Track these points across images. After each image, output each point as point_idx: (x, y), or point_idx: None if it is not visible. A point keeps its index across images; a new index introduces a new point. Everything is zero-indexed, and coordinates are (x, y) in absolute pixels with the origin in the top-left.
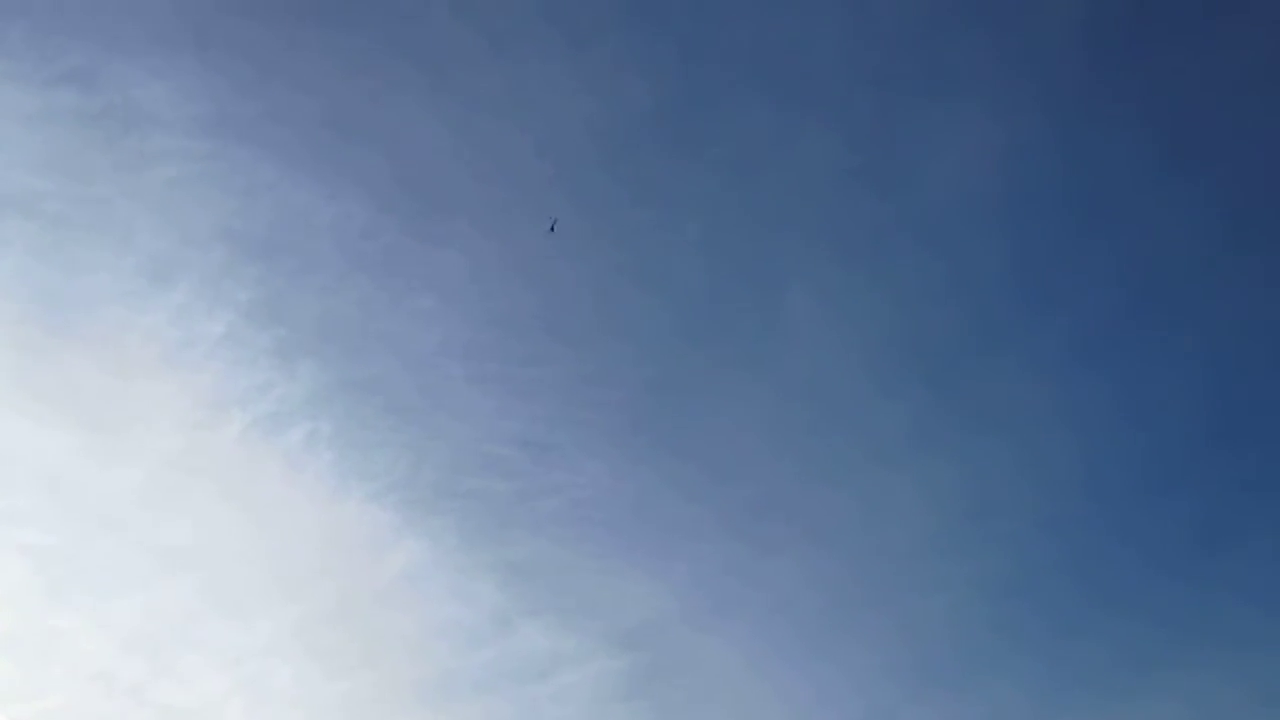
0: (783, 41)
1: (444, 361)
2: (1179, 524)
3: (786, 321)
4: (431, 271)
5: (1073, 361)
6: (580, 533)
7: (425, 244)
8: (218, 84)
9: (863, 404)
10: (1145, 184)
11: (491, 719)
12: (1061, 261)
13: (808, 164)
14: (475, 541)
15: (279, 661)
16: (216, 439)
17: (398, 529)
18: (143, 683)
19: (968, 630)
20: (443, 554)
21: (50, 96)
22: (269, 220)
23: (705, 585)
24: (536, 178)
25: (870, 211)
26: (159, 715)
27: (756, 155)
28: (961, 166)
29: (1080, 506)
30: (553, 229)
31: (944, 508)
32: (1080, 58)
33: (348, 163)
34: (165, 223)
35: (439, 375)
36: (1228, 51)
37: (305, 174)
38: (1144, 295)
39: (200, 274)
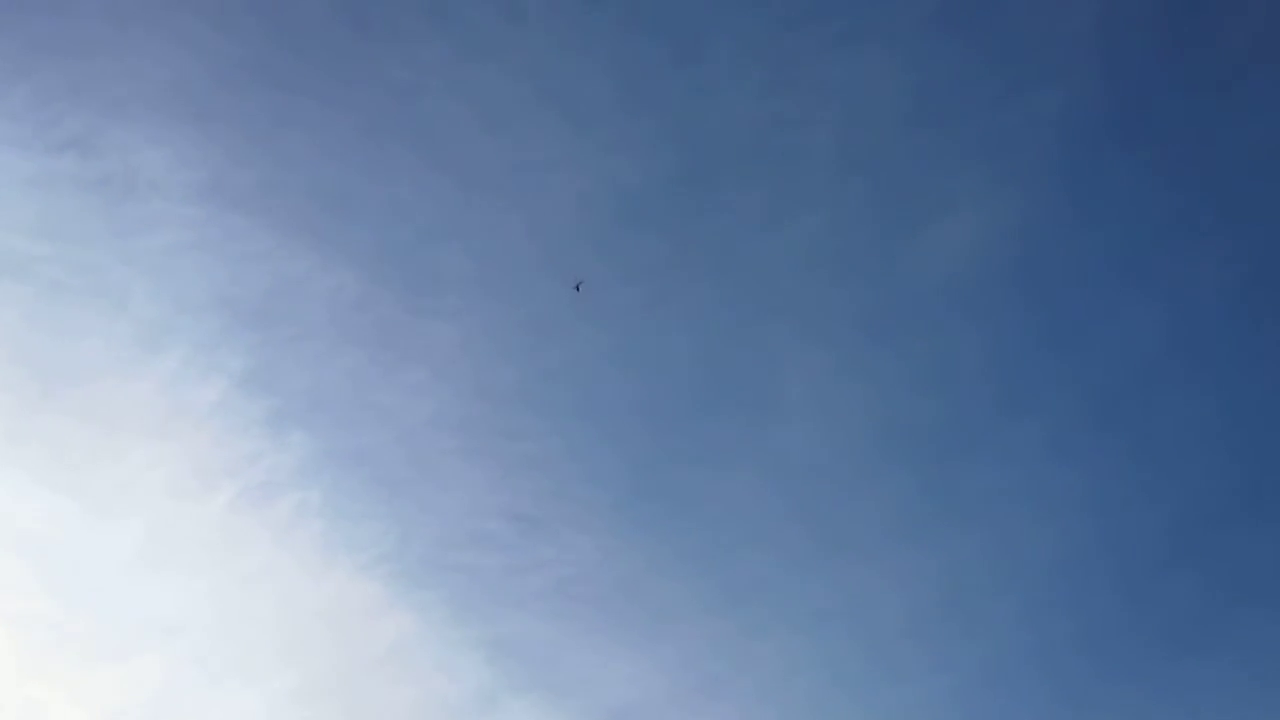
0: (775, 126)
1: (434, 434)
2: (1152, 622)
3: (772, 405)
4: (423, 344)
5: (1047, 456)
6: (568, 609)
7: (417, 317)
8: (215, 153)
9: (844, 492)
10: (1119, 285)
11: None
12: (1038, 356)
13: (796, 247)
14: (463, 616)
15: None
16: (205, 508)
17: (386, 601)
18: None
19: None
20: (431, 628)
21: (50, 162)
22: (263, 289)
23: (690, 665)
24: (527, 254)
25: (857, 299)
26: None
27: (745, 237)
28: (949, 254)
29: (1051, 604)
30: (578, 289)
31: (921, 597)
32: (1059, 156)
33: (341, 235)
34: (160, 289)
35: (429, 448)
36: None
37: (299, 244)
38: (1117, 393)
39: (194, 341)
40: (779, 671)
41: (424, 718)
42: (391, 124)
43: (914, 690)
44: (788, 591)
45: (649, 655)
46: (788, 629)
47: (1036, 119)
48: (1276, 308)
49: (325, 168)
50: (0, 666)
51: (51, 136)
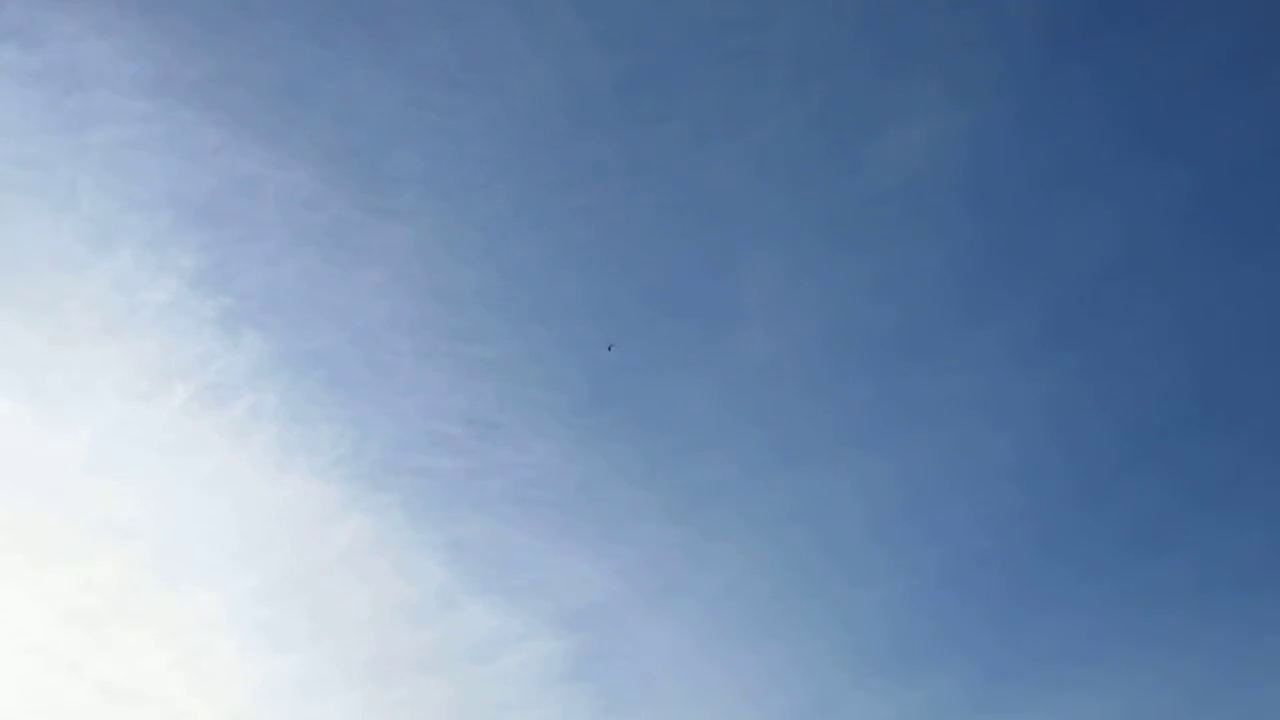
0: (728, 31)
1: (390, 336)
2: (1109, 526)
3: (728, 310)
4: (378, 245)
5: (1003, 365)
6: (527, 513)
7: (371, 217)
8: (163, 45)
9: (800, 396)
10: (1072, 195)
11: (436, 698)
12: (993, 264)
13: (749, 153)
14: (421, 519)
15: (221, 636)
16: (158, 410)
17: (343, 504)
18: (82, 657)
19: (904, 622)
20: (388, 531)
21: None
22: (214, 186)
23: (651, 568)
24: (481, 155)
25: (811, 206)
26: (98, 690)
27: (699, 142)
28: (902, 162)
29: (1013, 505)
30: (610, 349)
31: (881, 501)
32: (1010, 65)
33: (293, 132)
34: (108, 185)
35: (385, 350)
36: (1191, 36)
37: (251, 140)
38: (1072, 302)
39: (143, 239)
40: (740, 574)
41: (383, 619)
42: (344, 19)
43: (875, 592)
44: (748, 495)
45: (608, 558)
46: (748, 532)
47: (987, 27)
48: (1230, 215)
49: (276, 63)
50: None
51: None
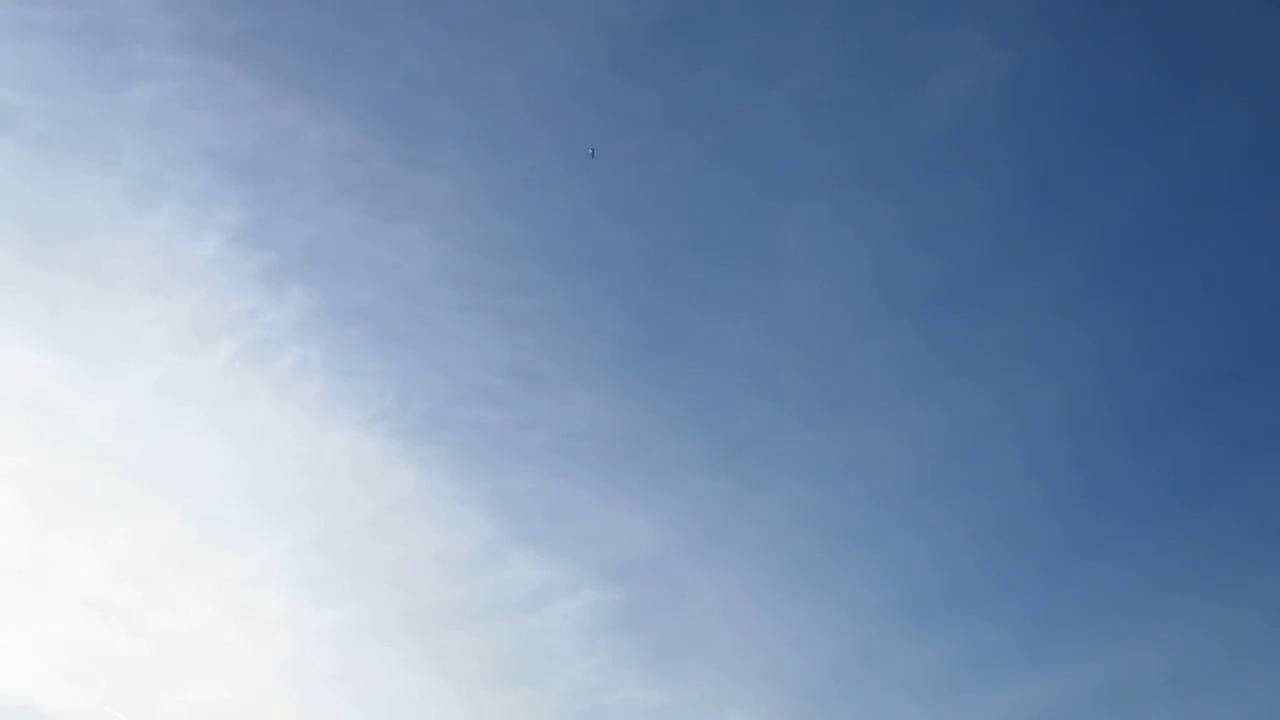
0: None
1: (434, 289)
2: (1158, 474)
3: (772, 260)
4: (421, 197)
5: (1051, 312)
6: (572, 464)
7: (413, 170)
8: None
9: (847, 346)
10: (1117, 141)
11: (483, 650)
12: (1038, 212)
13: (792, 100)
14: (466, 471)
15: (270, 589)
16: (204, 365)
17: (388, 458)
18: (136, 610)
19: (952, 571)
20: (433, 483)
21: (28, 10)
22: (254, 141)
23: (697, 519)
24: (521, 106)
25: (854, 152)
26: (153, 642)
27: (741, 88)
28: (945, 107)
29: (1062, 454)
30: (593, 154)
31: (928, 451)
32: (1053, 8)
33: (333, 84)
34: (149, 142)
35: (429, 303)
36: None
37: (290, 94)
38: (1119, 249)
39: (185, 196)
40: (786, 524)
41: (430, 571)
42: None
43: (922, 540)
44: (794, 445)
45: (654, 509)
46: (793, 482)
47: None
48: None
49: (314, 15)
50: (15, 525)
51: None
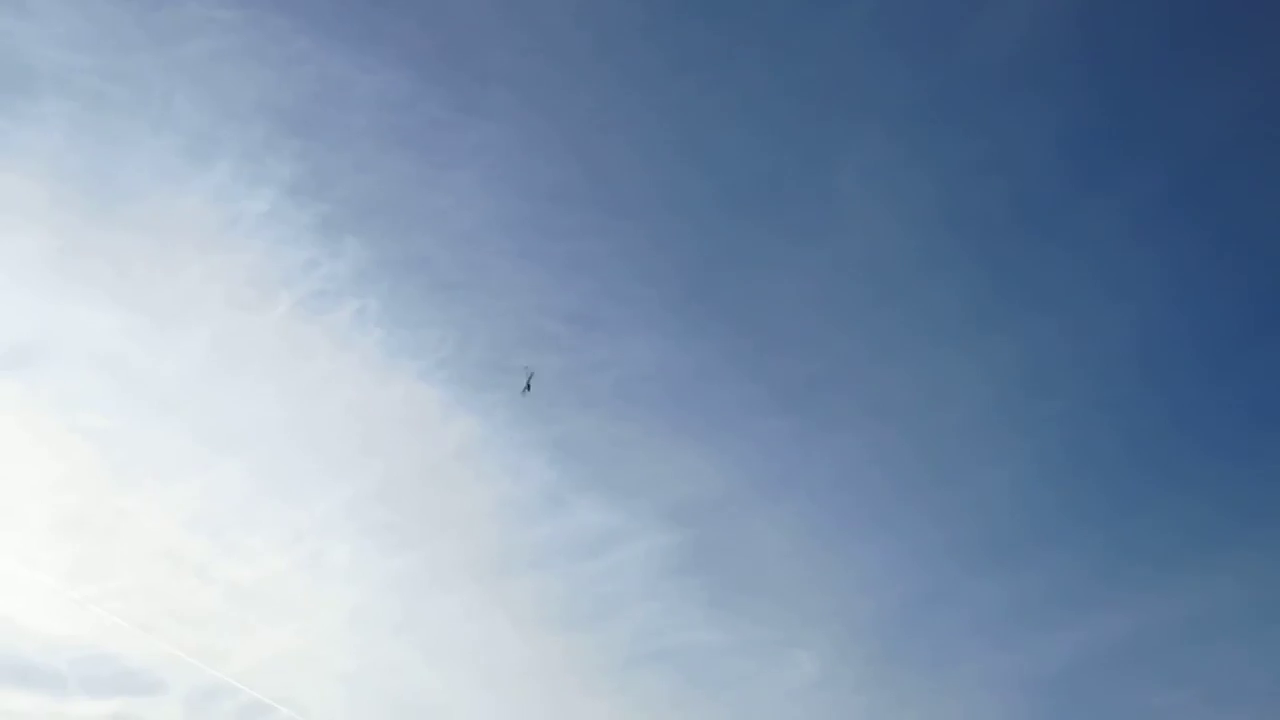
0: None
1: (490, 236)
2: (1234, 403)
3: (836, 195)
4: (476, 143)
5: (1124, 238)
6: (634, 408)
7: (468, 116)
8: None
9: (915, 280)
10: (1192, 56)
11: (545, 595)
12: (1109, 135)
13: (852, 29)
14: (525, 418)
15: (336, 540)
16: (264, 319)
17: (448, 406)
18: (207, 561)
19: (1028, 505)
20: (493, 431)
21: None
22: (308, 93)
23: (763, 460)
24: (574, 47)
25: (918, 82)
26: (224, 592)
27: (800, 17)
28: (1010, 32)
29: (1136, 384)
30: (528, 385)
31: (1001, 384)
32: None
33: (384, 33)
34: (203, 97)
35: (485, 250)
36: None
37: (342, 44)
38: (1191, 171)
39: (241, 150)
40: (854, 463)
41: (493, 518)
42: None
43: (996, 476)
44: (861, 382)
45: (717, 451)
46: (862, 419)
47: None
48: None
49: None
50: (89, 480)
51: None
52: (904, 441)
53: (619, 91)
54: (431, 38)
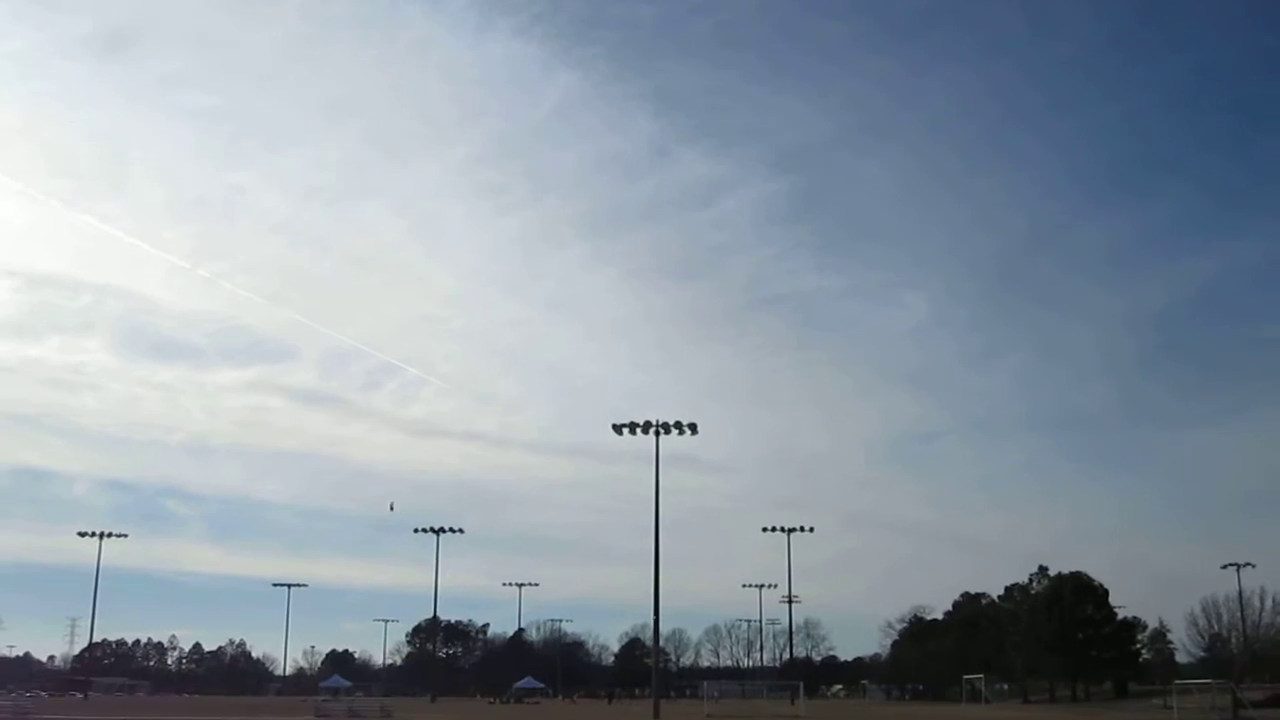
0: None
1: None
2: None
3: None
4: None
5: None
6: (735, 53)
7: None
8: None
9: None
10: None
11: (657, 247)
12: None
13: None
14: (627, 70)
15: (449, 203)
16: None
17: (547, 63)
18: (325, 232)
19: (1147, 134)
20: (594, 86)
21: None
22: None
23: (870, 99)
24: None
25: None
26: (343, 261)
27: None
28: None
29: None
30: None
31: (1119, 10)
32: None
33: None
34: None
35: None
36: None
37: None
38: None
39: None
40: (963, 99)
41: (598, 173)
42: None
43: (1116, 106)
44: (973, 13)
45: (824, 93)
46: (973, 54)
47: None
48: None
49: None
50: (199, 160)
51: None
52: (1019, 75)
53: None
54: None
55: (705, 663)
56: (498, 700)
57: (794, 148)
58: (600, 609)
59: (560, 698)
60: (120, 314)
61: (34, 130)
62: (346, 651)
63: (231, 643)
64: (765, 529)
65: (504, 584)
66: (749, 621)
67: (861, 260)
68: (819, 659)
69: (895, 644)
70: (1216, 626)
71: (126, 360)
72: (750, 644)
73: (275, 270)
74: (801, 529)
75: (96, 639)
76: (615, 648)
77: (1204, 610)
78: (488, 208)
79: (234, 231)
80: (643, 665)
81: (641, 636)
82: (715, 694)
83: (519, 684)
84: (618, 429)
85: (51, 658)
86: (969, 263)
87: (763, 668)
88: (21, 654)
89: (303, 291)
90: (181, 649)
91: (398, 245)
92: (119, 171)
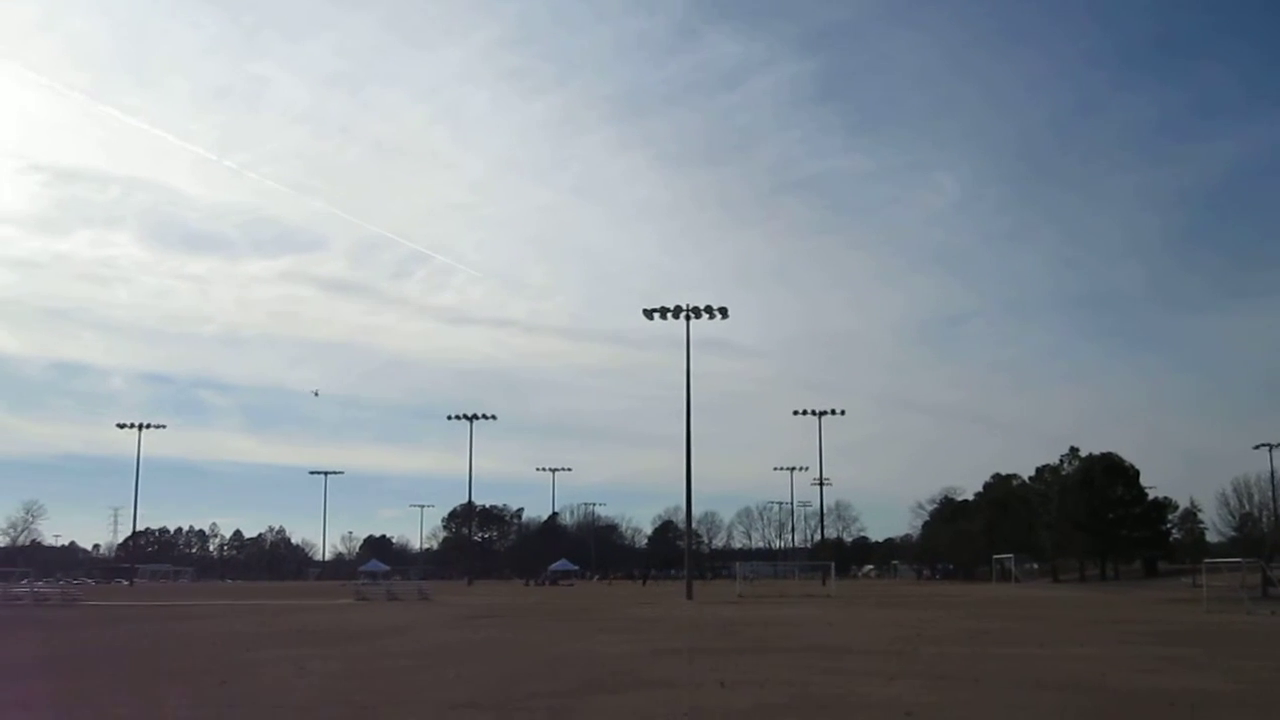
0: None
1: None
2: None
3: None
4: None
5: None
6: None
7: None
8: None
9: None
10: None
11: (683, 131)
12: None
13: None
14: None
15: (473, 88)
16: None
17: None
18: (349, 121)
19: (1176, 12)
20: None
21: None
22: None
23: None
24: None
25: None
26: (368, 149)
27: None
28: None
29: None
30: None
31: None
32: None
33: None
34: None
35: None
36: None
37: None
38: None
39: None
40: None
41: (626, 56)
42: None
43: None
44: None
45: None
46: None
47: None
48: None
49: None
50: (223, 49)
51: None
52: None
53: None
54: None
55: (738, 545)
56: (533, 582)
57: (821, 27)
58: (633, 493)
59: (595, 579)
60: (148, 207)
61: (56, 23)
62: (384, 537)
63: (271, 529)
64: (796, 412)
65: (537, 469)
66: (780, 504)
67: (889, 142)
68: (850, 540)
69: (926, 524)
70: (1247, 506)
71: (157, 253)
72: (782, 526)
73: (301, 160)
74: (832, 412)
75: (139, 528)
76: (648, 531)
77: (1235, 490)
78: (512, 92)
79: (258, 122)
80: (675, 547)
81: (674, 519)
82: (747, 575)
83: (554, 566)
84: (648, 314)
85: (96, 546)
86: (997, 144)
87: (794, 549)
88: (67, 543)
89: (329, 181)
90: (223, 536)
91: (423, 132)
92: (140, 64)
